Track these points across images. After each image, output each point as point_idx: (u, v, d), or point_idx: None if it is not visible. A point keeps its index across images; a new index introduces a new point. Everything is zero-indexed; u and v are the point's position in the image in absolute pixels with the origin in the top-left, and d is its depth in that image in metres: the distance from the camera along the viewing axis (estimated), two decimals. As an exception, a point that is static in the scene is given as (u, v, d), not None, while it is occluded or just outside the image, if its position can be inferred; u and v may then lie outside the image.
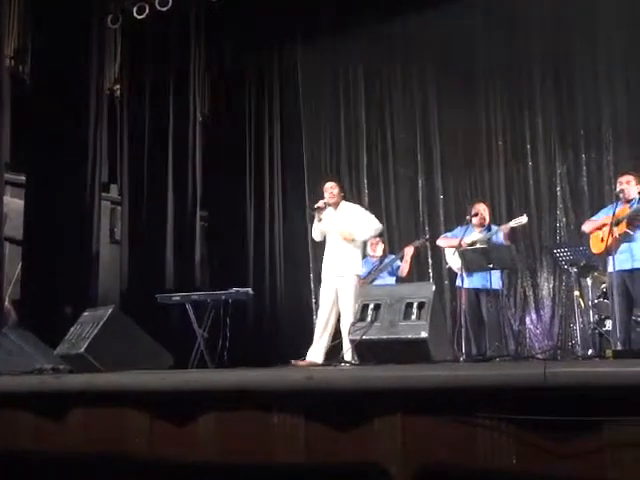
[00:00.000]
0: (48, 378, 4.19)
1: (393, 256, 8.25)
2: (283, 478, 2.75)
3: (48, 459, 3.59)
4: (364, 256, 7.72)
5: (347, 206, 7.23)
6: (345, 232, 6.94)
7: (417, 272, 9.60)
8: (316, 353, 6.57)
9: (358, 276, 6.97)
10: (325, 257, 7.15)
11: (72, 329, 5.05)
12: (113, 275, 9.23)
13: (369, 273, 8.02)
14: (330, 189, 7.15)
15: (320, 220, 7.09)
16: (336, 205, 7.15)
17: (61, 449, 3.68)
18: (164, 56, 9.74)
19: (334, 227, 7.04)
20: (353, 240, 7.00)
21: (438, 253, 9.22)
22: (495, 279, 7.10)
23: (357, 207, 7.32)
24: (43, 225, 8.22)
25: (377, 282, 7.98)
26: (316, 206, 7.13)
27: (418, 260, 9.67)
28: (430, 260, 9.66)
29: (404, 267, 8.08)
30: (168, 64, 9.77)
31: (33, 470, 3.48)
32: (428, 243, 9.34)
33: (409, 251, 8.10)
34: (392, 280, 8.06)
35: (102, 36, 9.12)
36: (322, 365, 5.27)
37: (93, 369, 4.54)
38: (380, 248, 8.30)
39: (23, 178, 8.38)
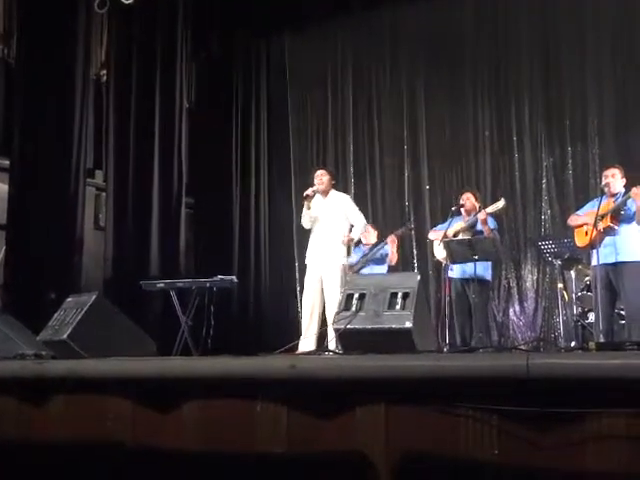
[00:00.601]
0: (30, 364, 4.17)
1: (382, 243, 8.24)
2: (265, 466, 2.75)
3: (30, 445, 3.57)
4: (355, 244, 7.73)
5: (336, 195, 7.26)
6: (346, 240, 7.01)
7: (402, 263, 9.61)
8: (306, 343, 6.56)
9: (344, 265, 6.99)
10: (310, 245, 7.17)
11: (55, 315, 5.02)
12: (97, 261, 9.18)
13: (358, 261, 8.03)
14: (320, 176, 7.19)
15: (309, 208, 7.11)
16: (325, 193, 7.18)
17: (44, 435, 3.66)
18: (151, 42, 9.68)
19: (323, 216, 7.07)
20: (352, 240, 7.08)
21: (423, 244, 9.25)
22: (483, 270, 7.12)
23: (346, 197, 7.36)
24: (27, 210, 8.17)
25: (365, 271, 7.97)
26: (305, 194, 7.15)
27: (403, 251, 9.68)
28: (415, 251, 9.69)
29: (392, 255, 8.08)
30: (155, 50, 9.72)
31: (15, 456, 3.47)
32: (413, 232, 9.36)
33: (392, 239, 8.11)
34: (380, 269, 8.04)
35: (89, 21, 9.04)
36: (305, 354, 5.26)
37: (76, 355, 4.52)
38: (372, 236, 8.28)
39: (7, 162, 8.31)
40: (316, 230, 7.17)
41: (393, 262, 8.10)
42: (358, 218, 7.23)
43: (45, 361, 4.30)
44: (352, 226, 7.23)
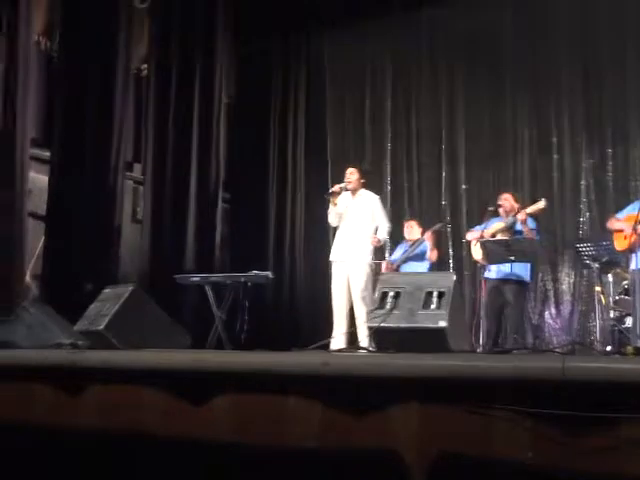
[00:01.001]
0: (66, 353, 4.21)
1: (420, 239, 8.20)
2: (296, 461, 2.75)
3: (63, 433, 3.61)
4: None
5: (366, 194, 7.24)
6: (375, 241, 7.06)
7: (438, 262, 9.57)
8: (336, 342, 6.57)
9: (370, 264, 6.99)
10: (336, 242, 7.18)
11: (92, 306, 5.08)
12: (134, 254, 9.26)
13: (399, 258, 8.02)
14: (349, 174, 7.18)
15: (335, 204, 7.10)
16: (354, 191, 7.16)
17: (76, 423, 3.70)
18: (191, 37, 9.73)
19: (351, 214, 7.06)
20: (379, 242, 7.06)
21: (459, 244, 9.20)
22: (523, 270, 7.06)
23: (375, 197, 7.31)
24: (66, 202, 8.25)
25: (406, 268, 7.96)
26: (330, 190, 7.15)
27: (439, 250, 9.64)
28: (451, 251, 9.64)
29: (431, 252, 8.05)
30: (195, 45, 9.77)
31: (47, 443, 3.51)
32: (449, 232, 9.31)
33: (428, 236, 8.08)
34: (420, 266, 8.02)
35: (130, 15, 9.11)
36: (339, 351, 5.26)
37: (111, 346, 4.57)
38: (415, 232, 8.26)
39: (48, 154, 8.41)
40: (342, 228, 7.18)
41: (433, 259, 8.07)
42: (383, 220, 7.22)
43: (81, 351, 4.34)
44: (377, 228, 7.21)
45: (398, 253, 8.14)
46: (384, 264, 7.96)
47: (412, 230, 8.23)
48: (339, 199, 7.13)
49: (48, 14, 8.95)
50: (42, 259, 8.20)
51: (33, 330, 5.48)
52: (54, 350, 4.63)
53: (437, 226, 8.44)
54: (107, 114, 8.68)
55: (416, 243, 8.13)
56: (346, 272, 7.00)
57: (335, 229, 7.45)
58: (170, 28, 9.62)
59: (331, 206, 7.16)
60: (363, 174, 7.31)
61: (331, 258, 7.21)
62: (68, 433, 3.51)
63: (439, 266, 9.39)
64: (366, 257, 7.00)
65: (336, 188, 7.12)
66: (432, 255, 8.06)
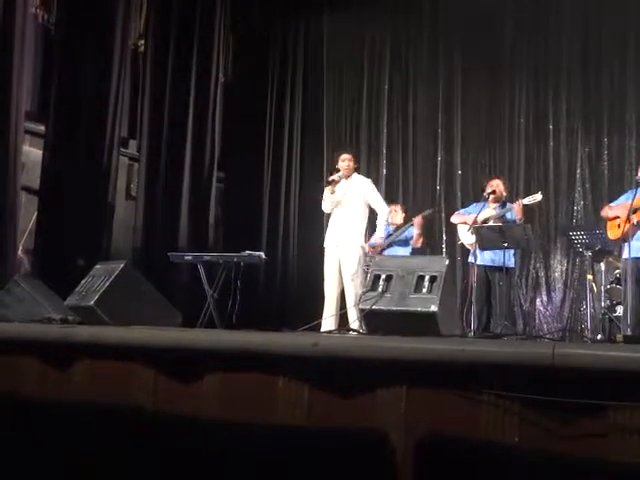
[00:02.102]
0: (56, 328, 4.21)
1: (407, 224, 8.19)
2: (284, 440, 2.76)
3: (51, 407, 3.61)
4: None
5: (358, 178, 7.23)
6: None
7: (431, 247, 9.58)
8: (326, 324, 6.58)
9: (362, 247, 6.99)
10: (330, 227, 7.17)
11: (83, 281, 5.06)
12: (127, 231, 9.24)
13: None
14: (347, 161, 7.14)
15: (333, 192, 7.07)
16: (348, 177, 7.15)
17: (64, 397, 3.70)
18: (190, 13, 9.68)
19: (344, 199, 7.05)
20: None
21: (452, 229, 9.19)
22: (508, 257, 7.08)
23: (368, 181, 7.30)
24: (60, 177, 8.21)
25: (388, 252, 7.96)
26: (331, 179, 7.10)
27: (432, 235, 9.66)
28: (444, 236, 9.64)
29: (416, 237, 8.04)
30: (193, 22, 9.72)
31: (35, 416, 3.50)
32: (443, 215, 9.31)
33: (418, 221, 8.06)
34: (404, 250, 8.03)
35: (129, -10, 9.07)
36: (329, 332, 5.26)
37: (102, 322, 4.56)
38: (398, 216, 8.26)
39: (42, 128, 8.36)
40: (336, 213, 7.16)
41: (418, 244, 8.07)
42: (382, 205, 7.20)
43: (71, 326, 4.34)
44: (373, 225, 7.26)
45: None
46: (366, 247, 7.94)
47: (396, 215, 8.22)
48: (337, 187, 7.11)
49: (46, -15, 8.88)
50: (35, 234, 8.18)
51: (24, 304, 5.47)
52: (44, 324, 4.62)
53: (427, 212, 8.42)
54: (103, 89, 8.63)
55: (402, 227, 8.11)
56: (338, 255, 7.01)
57: (328, 214, 7.42)
58: (169, 4, 9.55)
59: (328, 193, 7.11)
60: (356, 160, 7.34)
61: (325, 244, 7.19)
62: (56, 407, 3.51)
63: (433, 251, 9.42)
64: (358, 240, 7.00)
65: (335, 177, 7.08)
66: (417, 241, 8.05)
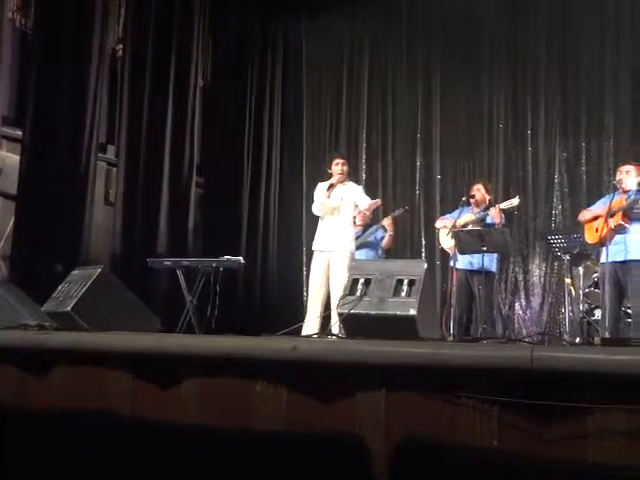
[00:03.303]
0: (33, 334, 4.18)
1: (376, 226, 8.10)
2: (263, 444, 2.75)
3: (29, 414, 3.57)
4: None
5: (350, 184, 7.15)
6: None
7: (410, 251, 9.62)
8: (310, 327, 6.53)
9: (351, 252, 6.92)
10: (319, 231, 7.09)
11: (60, 287, 5.03)
12: (105, 236, 9.19)
13: None
14: (341, 165, 7.05)
15: (329, 197, 6.98)
16: (342, 182, 7.08)
17: (42, 405, 3.67)
18: (168, 18, 9.65)
19: (339, 204, 6.98)
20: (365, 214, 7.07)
21: (431, 233, 9.22)
22: (489, 261, 7.10)
23: (359, 188, 7.19)
24: (38, 182, 8.16)
25: (358, 255, 7.86)
26: (330, 183, 6.98)
27: (411, 239, 9.69)
28: (423, 240, 9.66)
29: (387, 239, 7.96)
30: (172, 26, 9.68)
31: (13, 424, 3.47)
32: (422, 219, 9.30)
33: (388, 223, 7.98)
34: (373, 254, 7.94)
35: (107, -5, 9.03)
36: (308, 336, 5.25)
37: (79, 328, 4.53)
38: (365, 217, 8.16)
39: (20, 133, 8.30)
40: (327, 217, 7.08)
41: (387, 247, 7.99)
42: (364, 199, 7.09)
43: (47, 332, 4.30)
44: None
45: None
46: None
47: (363, 215, 8.04)
48: (325, 189, 7.02)
49: (23, -9, 8.83)
50: (12, 239, 8.12)
51: (0, 311, 5.42)
52: (21, 331, 4.58)
53: (397, 212, 8.31)
54: (81, 94, 8.58)
55: (370, 229, 8.02)
56: (327, 260, 6.93)
57: (313, 216, 7.35)
58: (147, 8, 9.52)
59: (324, 198, 7.00)
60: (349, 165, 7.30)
61: (314, 248, 7.10)
62: (33, 414, 3.47)
63: (412, 254, 9.44)
64: (348, 246, 6.93)
65: (335, 181, 6.98)
66: (388, 242, 7.96)
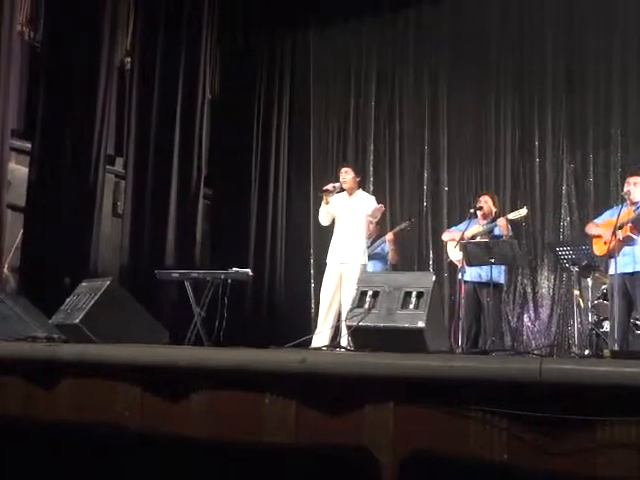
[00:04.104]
0: (41, 346, 4.17)
1: (382, 238, 8.08)
2: (271, 458, 2.74)
3: (37, 426, 3.57)
4: None
5: (363, 195, 7.14)
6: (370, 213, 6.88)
7: (418, 263, 9.59)
8: (320, 338, 6.52)
9: (363, 265, 6.90)
10: (332, 243, 7.05)
11: (68, 299, 5.04)
12: (114, 248, 9.21)
13: None
14: (344, 173, 7.05)
15: (327, 203, 6.98)
16: (351, 191, 7.05)
17: (50, 417, 3.67)
18: (176, 31, 9.69)
19: (347, 215, 6.94)
20: (371, 222, 6.95)
21: (439, 245, 9.20)
22: (497, 273, 7.08)
23: (371, 199, 7.18)
24: (46, 194, 8.19)
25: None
26: (324, 188, 7.02)
27: (419, 251, 9.67)
28: (431, 252, 9.64)
29: (392, 254, 7.98)
30: (180, 40, 9.72)
31: (21, 436, 3.46)
32: (429, 231, 9.27)
33: (389, 238, 7.98)
34: (382, 267, 7.95)
35: (115, 8, 9.04)
36: (316, 349, 5.24)
37: (87, 340, 4.53)
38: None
39: (29, 145, 8.34)
40: (338, 229, 7.05)
41: (394, 261, 8.00)
42: (370, 206, 7.05)
43: (56, 344, 4.31)
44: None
45: None
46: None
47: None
48: (332, 198, 7.01)
49: (32, 4, 8.88)
50: (21, 251, 8.14)
51: (8, 322, 5.43)
52: (29, 343, 4.58)
53: (403, 225, 8.35)
54: (89, 107, 8.62)
55: (378, 241, 8.01)
56: (339, 272, 6.90)
57: (320, 228, 7.36)
58: (155, 22, 9.57)
59: (323, 204, 7.01)
60: (358, 173, 7.22)
61: (327, 260, 7.08)
62: (40, 426, 3.47)
63: (419, 267, 9.42)
64: (360, 258, 6.91)
65: (329, 186, 6.99)
66: (393, 257, 7.98)
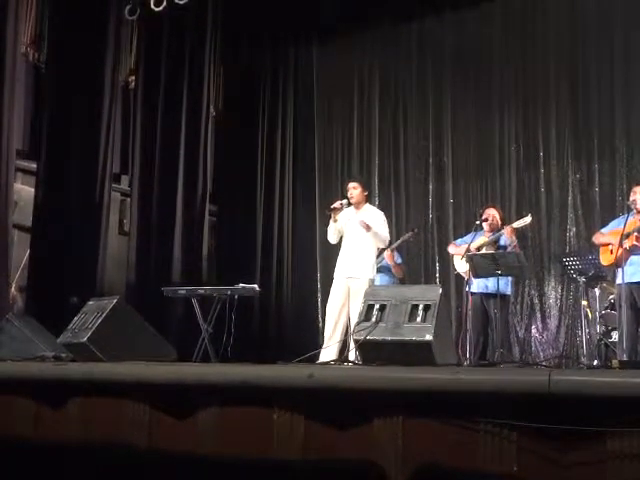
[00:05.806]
0: (49, 366, 4.18)
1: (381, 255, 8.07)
2: (280, 473, 2.73)
3: (46, 446, 3.58)
4: None
5: (371, 209, 7.14)
6: (364, 223, 6.81)
7: (424, 276, 9.58)
8: (328, 353, 6.50)
9: (371, 279, 6.88)
10: (340, 258, 7.04)
11: (76, 318, 5.04)
12: (120, 266, 9.21)
13: None
14: (352, 189, 7.05)
15: (336, 221, 6.98)
16: (358, 205, 7.05)
17: (59, 437, 3.66)
18: (180, 49, 9.73)
19: (354, 228, 6.91)
20: (374, 233, 6.89)
21: (445, 258, 9.19)
22: (504, 284, 7.07)
23: (379, 213, 7.18)
24: (52, 213, 8.22)
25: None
26: (332, 206, 7.01)
27: (425, 264, 9.66)
28: (437, 265, 9.63)
29: (395, 269, 7.99)
30: (183, 57, 9.76)
31: (30, 456, 3.47)
32: (435, 244, 9.27)
33: (388, 254, 7.96)
34: (387, 280, 7.96)
35: (119, 27, 9.10)
36: (324, 364, 5.23)
37: (95, 359, 4.53)
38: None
39: (34, 166, 8.37)
40: (346, 243, 7.03)
41: (399, 275, 8.01)
42: (384, 230, 7.05)
43: (64, 363, 4.31)
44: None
45: None
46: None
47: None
48: (340, 215, 7.01)
49: (36, 25, 8.94)
50: (28, 271, 8.16)
51: (16, 342, 5.44)
52: (37, 362, 4.59)
53: (406, 235, 8.37)
54: (94, 126, 8.66)
55: (382, 254, 8.02)
56: (346, 286, 6.89)
57: (327, 243, 7.34)
58: (158, 40, 9.61)
59: (331, 222, 6.99)
60: (365, 187, 7.21)
61: (334, 274, 7.07)
62: (50, 446, 3.48)
63: (426, 279, 9.41)
64: (368, 273, 6.90)
65: (337, 204, 6.98)
66: (396, 270, 7.99)
